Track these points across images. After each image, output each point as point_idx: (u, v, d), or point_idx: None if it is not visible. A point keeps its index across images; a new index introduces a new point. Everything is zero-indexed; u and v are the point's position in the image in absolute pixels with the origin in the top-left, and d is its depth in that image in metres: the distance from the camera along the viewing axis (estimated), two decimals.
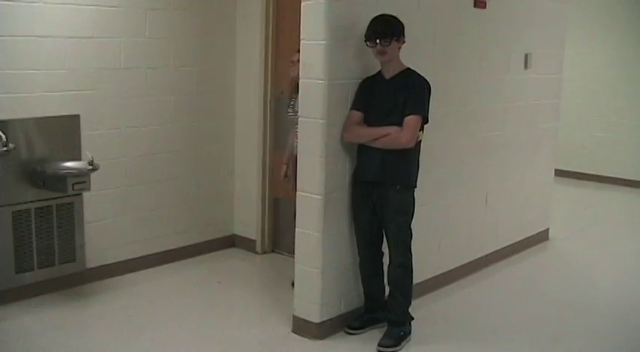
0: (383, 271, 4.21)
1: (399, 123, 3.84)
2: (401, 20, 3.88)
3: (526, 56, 5.68)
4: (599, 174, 9.09)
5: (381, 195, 3.96)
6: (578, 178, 9.10)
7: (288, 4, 5.23)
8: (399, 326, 4.09)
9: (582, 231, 6.87)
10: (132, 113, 4.96)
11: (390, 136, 3.84)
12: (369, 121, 3.94)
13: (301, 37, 3.92)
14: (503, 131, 5.51)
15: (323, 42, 3.82)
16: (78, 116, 4.66)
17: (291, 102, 4.65)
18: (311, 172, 3.98)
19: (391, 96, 3.88)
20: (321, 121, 3.89)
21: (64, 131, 4.61)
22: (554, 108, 6.28)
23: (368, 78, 4.02)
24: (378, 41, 3.82)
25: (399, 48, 3.90)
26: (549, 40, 6.03)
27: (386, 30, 3.82)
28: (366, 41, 3.87)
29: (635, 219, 7.59)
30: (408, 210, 4.02)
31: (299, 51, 4.04)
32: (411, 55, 4.05)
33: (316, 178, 3.95)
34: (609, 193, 8.61)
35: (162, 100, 5.15)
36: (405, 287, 4.09)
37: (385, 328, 4.12)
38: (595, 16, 8.98)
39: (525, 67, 5.70)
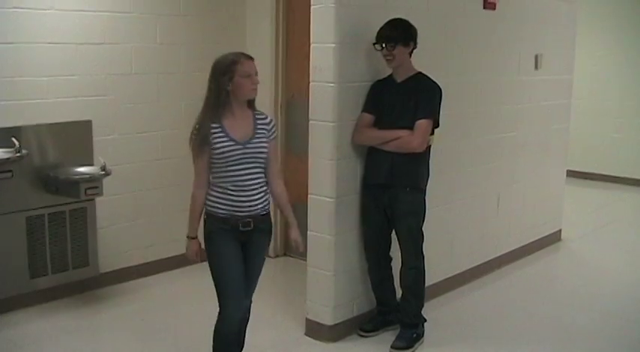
0: (392, 275, 4.20)
1: (410, 127, 3.84)
2: (413, 25, 3.88)
3: (536, 57, 5.67)
4: (611, 174, 9.04)
5: (391, 197, 3.96)
6: (590, 179, 9.06)
7: (298, 9, 5.24)
8: (411, 328, 4.08)
9: (595, 232, 6.84)
10: (143, 118, 4.99)
11: (401, 140, 3.84)
12: (379, 124, 3.94)
13: (311, 40, 3.93)
14: (513, 132, 5.49)
15: (333, 45, 3.82)
16: (90, 122, 4.68)
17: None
18: (322, 175, 3.98)
19: (402, 100, 3.88)
20: (331, 124, 3.90)
21: (77, 137, 4.63)
22: (565, 108, 6.26)
23: (379, 81, 4.02)
24: (383, 45, 3.83)
25: (410, 53, 3.90)
26: (560, 41, 6.01)
27: (392, 34, 3.82)
28: (374, 44, 3.88)
29: None
30: (418, 211, 4.02)
31: None
32: (421, 57, 4.04)
33: (328, 181, 3.96)
34: (621, 193, 8.55)
35: (174, 105, 5.17)
36: (417, 290, 4.09)
37: (398, 330, 4.12)
38: (605, 16, 8.94)
39: (536, 67, 5.68)
